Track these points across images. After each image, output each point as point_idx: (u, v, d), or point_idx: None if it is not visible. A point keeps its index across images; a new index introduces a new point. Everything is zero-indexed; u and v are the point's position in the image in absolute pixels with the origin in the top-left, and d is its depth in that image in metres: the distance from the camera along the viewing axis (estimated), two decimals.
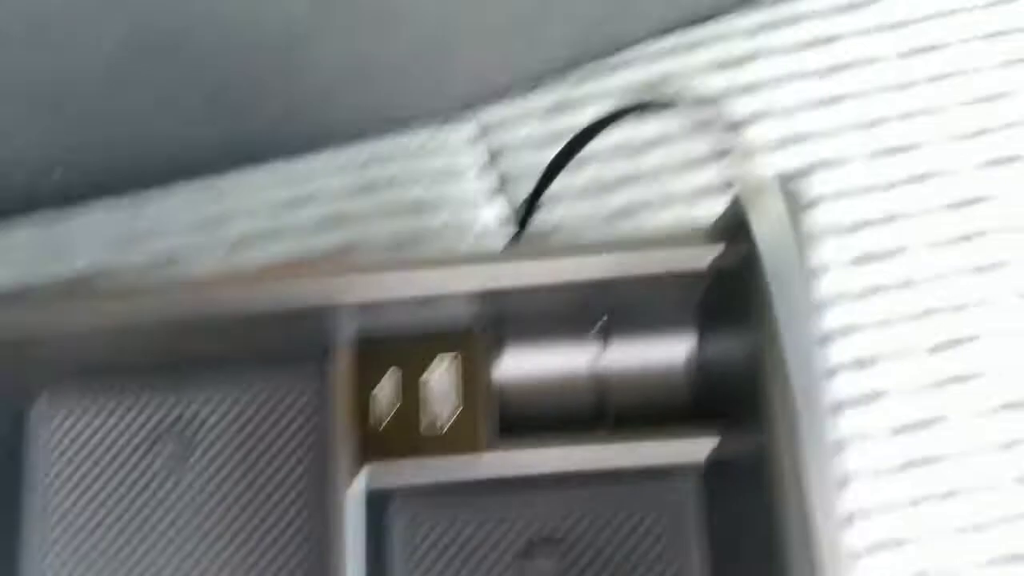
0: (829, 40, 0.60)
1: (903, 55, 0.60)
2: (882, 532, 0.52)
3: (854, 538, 0.51)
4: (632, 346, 0.46)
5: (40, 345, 0.45)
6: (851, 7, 0.61)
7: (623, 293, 0.43)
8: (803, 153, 0.58)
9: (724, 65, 0.61)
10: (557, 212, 0.58)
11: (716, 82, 0.59)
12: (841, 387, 0.53)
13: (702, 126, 0.59)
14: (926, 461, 0.53)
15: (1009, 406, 0.53)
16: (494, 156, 0.61)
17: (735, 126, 0.36)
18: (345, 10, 0.61)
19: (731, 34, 0.62)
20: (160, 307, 0.43)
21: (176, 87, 0.63)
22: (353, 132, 0.63)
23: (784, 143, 0.58)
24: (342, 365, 0.45)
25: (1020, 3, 0.60)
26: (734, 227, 0.39)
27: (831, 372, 0.47)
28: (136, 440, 0.50)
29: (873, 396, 0.54)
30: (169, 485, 0.49)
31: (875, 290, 0.55)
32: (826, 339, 0.49)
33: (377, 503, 0.46)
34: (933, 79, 0.59)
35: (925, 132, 0.58)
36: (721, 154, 0.57)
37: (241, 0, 0.60)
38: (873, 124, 0.58)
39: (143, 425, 0.50)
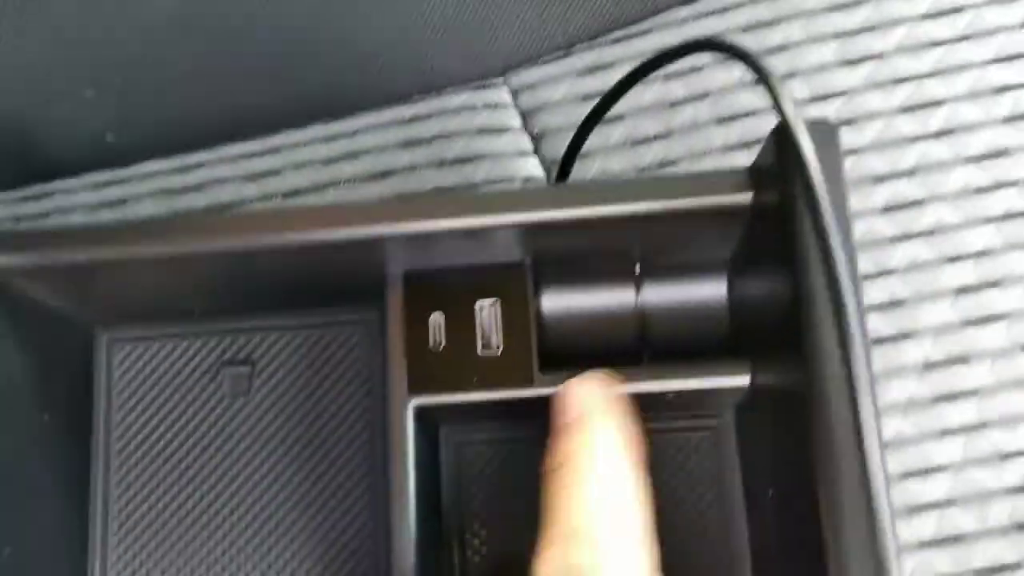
0: (856, 3, 0.62)
1: (926, 16, 0.61)
2: (913, 461, 0.54)
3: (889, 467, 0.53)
4: (671, 283, 0.48)
5: (109, 275, 0.47)
6: None
7: (664, 230, 0.44)
8: (830, 111, 0.60)
9: (755, 27, 0.62)
10: (593, 167, 0.60)
11: (746, 43, 0.61)
12: (874, 326, 0.55)
13: (739, 82, 0.61)
14: (953, 396, 0.54)
15: None
16: (530, 115, 0.63)
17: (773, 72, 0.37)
18: None
19: None
20: (222, 240, 0.44)
21: (227, 52, 0.65)
22: (397, 94, 0.65)
23: (812, 101, 0.60)
24: (395, 297, 0.47)
25: None
26: (775, 166, 0.40)
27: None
28: (200, 369, 0.52)
29: (903, 336, 0.55)
30: (232, 412, 0.51)
31: (903, 238, 0.57)
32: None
33: (429, 428, 0.49)
34: (956, 40, 0.61)
35: (949, 89, 0.60)
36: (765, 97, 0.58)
37: None
38: (898, 82, 0.60)
39: (207, 355, 0.52)
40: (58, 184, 0.66)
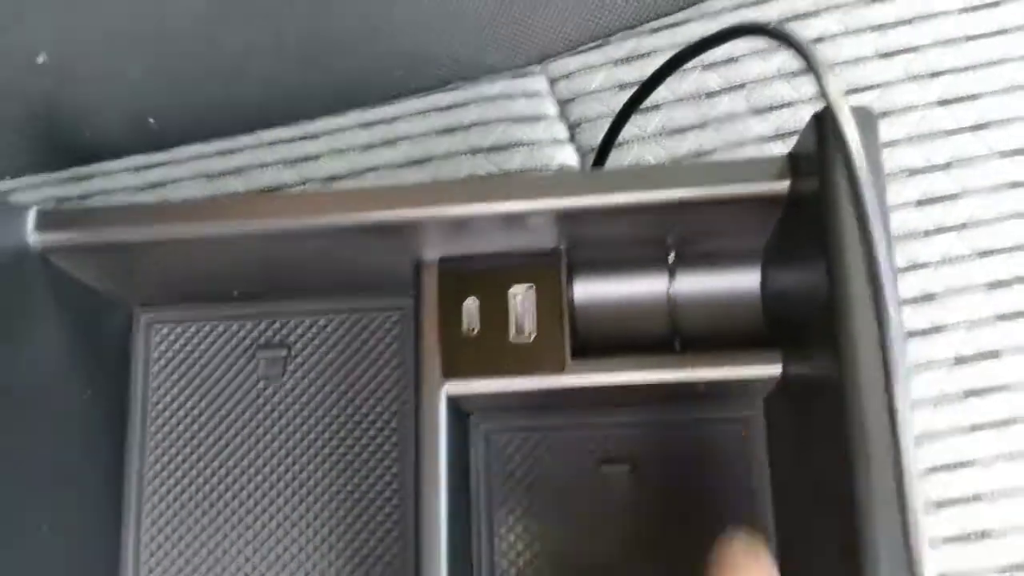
0: None
1: (964, 10, 0.61)
2: (942, 456, 0.54)
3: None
4: (704, 272, 0.48)
5: (148, 254, 0.47)
6: None
7: (699, 217, 0.44)
8: (865, 103, 0.60)
9: (791, 19, 0.62)
10: (628, 155, 0.60)
11: None
12: (906, 319, 0.55)
13: (776, 72, 0.61)
14: (984, 391, 0.54)
15: None
16: (567, 104, 0.63)
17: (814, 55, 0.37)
18: None
19: None
20: (261, 220, 0.45)
21: (268, 37, 0.66)
22: (436, 81, 0.66)
23: (849, 93, 0.60)
24: (430, 282, 0.48)
25: None
26: (816, 152, 0.40)
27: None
28: (236, 352, 0.53)
29: (934, 329, 0.55)
30: (266, 396, 0.52)
31: (937, 231, 0.57)
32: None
33: (461, 415, 0.49)
34: (992, 33, 0.61)
35: (984, 84, 0.60)
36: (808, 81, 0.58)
37: None
38: (934, 75, 0.60)
39: (243, 338, 0.53)
40: (99, 167, 0.66)
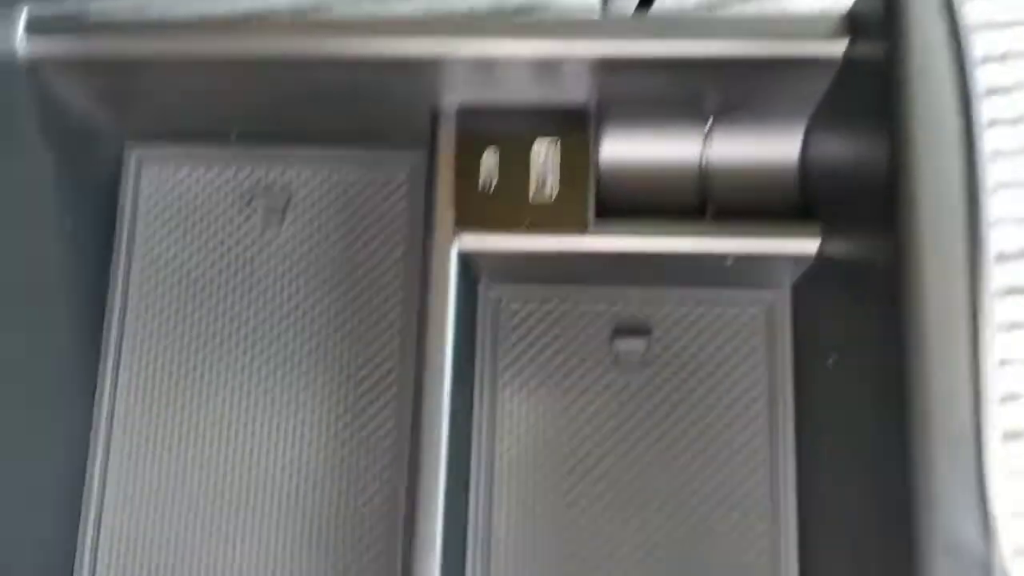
0: None
1: None
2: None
3: None
4: (742, 138, 0.46)
5: (142, 72, 0.44)
6: None
7: (741, 79, 0.41)
8: None
9: None
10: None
11: None
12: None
13: None
14: None
15: None
16: None
17: None
18: None
19: None
20: (270, 41, 0.42)
21: None
22: None
23: None
24: (447, 129, 0.45)
25: None
26: (877, 15, 0.36)
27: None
28: (232, 196, 0.50)
29: None
30: (261, 244, 0.50)
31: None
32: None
33: (469, 278, 0.46)
34: None
35: None
36: None
37: None
38: None
39: (241, 182, 0.50)
40: None
